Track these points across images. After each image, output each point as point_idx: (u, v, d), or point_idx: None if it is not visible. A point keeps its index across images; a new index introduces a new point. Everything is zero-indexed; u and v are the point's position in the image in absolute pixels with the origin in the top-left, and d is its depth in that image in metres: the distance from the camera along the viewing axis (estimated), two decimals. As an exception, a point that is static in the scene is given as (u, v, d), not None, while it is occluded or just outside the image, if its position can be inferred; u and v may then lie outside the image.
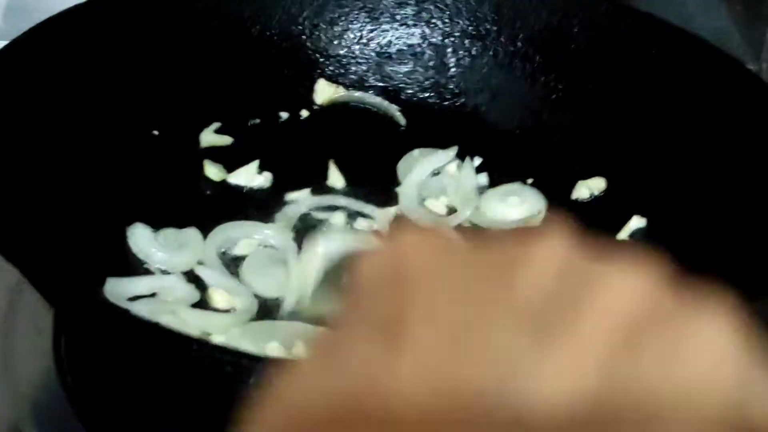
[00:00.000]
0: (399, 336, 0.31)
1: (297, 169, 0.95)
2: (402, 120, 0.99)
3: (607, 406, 0.29)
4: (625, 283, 0.31)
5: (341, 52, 1.02)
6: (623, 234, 0.89)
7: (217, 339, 0.78)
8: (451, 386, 0.29)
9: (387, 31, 1.03)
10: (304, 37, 1.01)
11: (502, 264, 0.32)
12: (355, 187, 0.94)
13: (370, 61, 1.02)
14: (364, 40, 1.02)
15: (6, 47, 0.86)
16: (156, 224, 0.86)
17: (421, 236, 0.34)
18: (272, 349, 0.77)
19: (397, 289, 0.32)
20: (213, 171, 0.94)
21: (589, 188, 0.94)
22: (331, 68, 1.02)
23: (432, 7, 1.02)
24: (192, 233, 0.86)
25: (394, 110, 1.00)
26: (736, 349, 0.30)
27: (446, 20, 1.02)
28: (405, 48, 1.03)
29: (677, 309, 0.31)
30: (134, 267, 0.83)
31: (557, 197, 0.94)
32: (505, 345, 0.30)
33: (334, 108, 1.01)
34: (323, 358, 0.32)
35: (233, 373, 0.62)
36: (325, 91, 1.01)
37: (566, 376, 0.29)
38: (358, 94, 1.00)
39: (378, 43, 1.03)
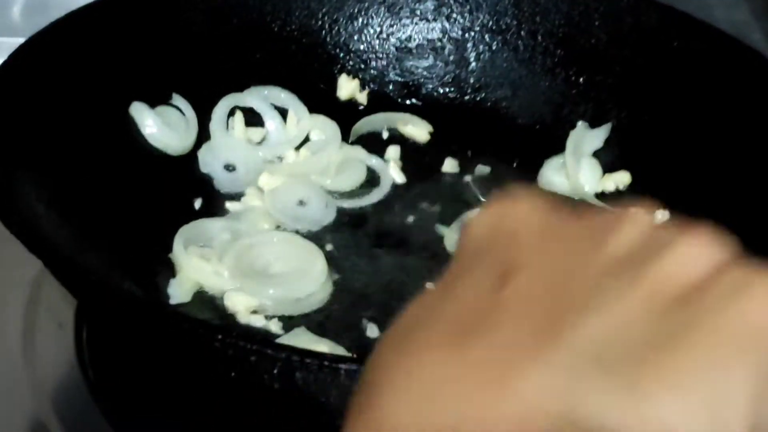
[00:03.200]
0: (508, 278, 0.36)
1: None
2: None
3: (673, 337, 0.33)
4: (692, 252, 0.36)
5: (361, 47, 1.02)
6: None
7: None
8: (546, 320, 0.34)
9: (407, 25, 1.03)
10: (323, 32, 1.01)
11: (594, 228, 0.38)
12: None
13: (390, 55, 1.02)
14: (384, 35, 1.02)
15: (24, 44, 0.86)
16: (177, 214, 0.87)
17: (522, 199, 0.40)
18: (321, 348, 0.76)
19: (505, 242, 0.38)
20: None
21: (614, 182, 0.94)
22: (351, 63, 1.01)
23: (452, 1, 1.02)
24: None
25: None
26: None
27: (466, 15, 1.02)
28: (425, 43, 1.03)
29: (738, 269, 0.35)
30: (155, 257, 0.83)
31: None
32: (588, 295, 0.35)
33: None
34: (442, 292, 0.37)
35: (257, 364, 0.61)
36: (347, 86, 1.00)
37: (640, 310, 0.34)
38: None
39: (398, 38, 1.03)
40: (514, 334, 0.34)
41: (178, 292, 0.81)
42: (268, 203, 0.90)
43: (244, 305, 0.81)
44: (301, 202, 0.91)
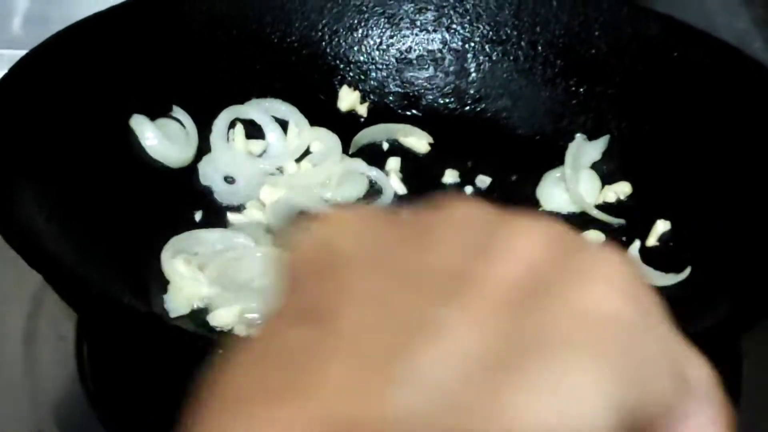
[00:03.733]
0: (324, 321, 0.31)
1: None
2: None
3: (514, 348, 0.30)
4: (530, 232, 0.33)
5: (361, 58, 1.02)
6: (652, 239, 0.89)
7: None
8: (373, 360, 0.30)
9: (407, 36, 1.03)
10: (323, 43, 1.01)
11: (420, 229, 0.34)
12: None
13: (390, 66, 1.02)
14: (384, 46, 1.02)
15: (25, 56, 0.86)
16: (178, 226, 0.87)
17: (344, 217, 0.36)
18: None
19: (323, 275, 0.33)
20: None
21: (615, 193, 0.94)
22: (351, 74, 1.01)
23: (452, 12, 1.02)
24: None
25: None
26: (631, 290, 0.32)
27: (466, 25, 1.02)
28: (425, 53, 1.02)
29: (576, 254, 0.33)
30: (155, 270, 0.83)
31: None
32: (420, 309, 0.31)
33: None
34: (258, 350, 0.32)
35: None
36: (348, 98, 1.00)
37: (473, 330, 0.30)
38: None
39: (398, 49, 1.02)
40: (339, 380, 0.29)
41: (177, 304, 0.81)
42: (269, 216, 0.90)
43: (228, 321, 0.81)
44: (302, 215, 0.91)
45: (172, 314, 0.80)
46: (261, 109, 0.97)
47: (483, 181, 0.96)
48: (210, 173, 0.94)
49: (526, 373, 0.29)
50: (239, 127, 0.96)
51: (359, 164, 0.97)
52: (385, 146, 1.00)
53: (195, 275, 0.82)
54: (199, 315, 0.81)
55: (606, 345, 0.31)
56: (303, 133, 0.98)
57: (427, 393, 0.29)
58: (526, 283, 0.31)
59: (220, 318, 0.80)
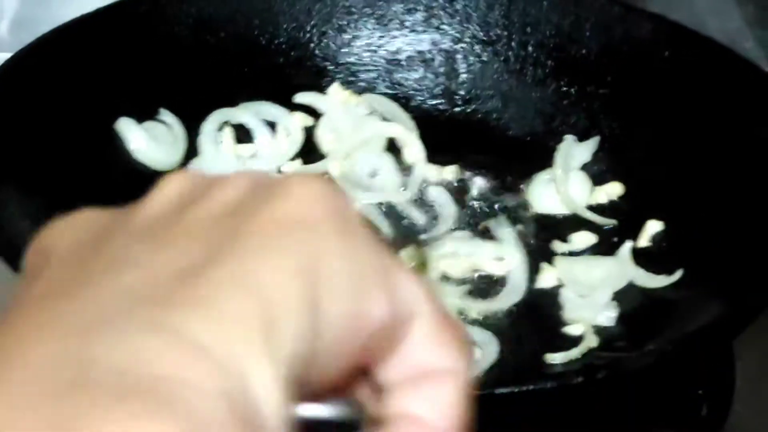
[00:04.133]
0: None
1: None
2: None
3: (201, 262, 0.32)
4: (237, 179, 0.36)
5: (350, 59, 1.01)
6: (643, 240, 0.88)
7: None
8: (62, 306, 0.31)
9: (396, 37, 1.02)
10: (312, 45, 1.01)
11: (135, 207, 0.37)
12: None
13: (380, 68, 1.02)
14: (374, 47, 1.02)
15: (10, 59, 0.86)
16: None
17: (63, 219, 0.38)
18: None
19: (36, 273, 0.35)
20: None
21: (606, 194, 0.93)
22: (340, 76, 1.01)
23: (442, 12, 1.01)
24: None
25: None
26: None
27: (456, 26, 1.01)
28: (415, 54, 1.02)
29: (275, 183, 0.35)
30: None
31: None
32: (123, 253, 0.33)
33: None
34: None
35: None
36: (338, 96, 1.00)
37: (174, 257, 0.32)
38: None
39: (387, 50, 1.02)
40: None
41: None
42: None
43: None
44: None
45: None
46: (250, 112, 0.97)
47: (473, 182, 0.96)
48: (199, 177, 0.93)
49: (209, 277, 0.31)
50: (228, 131, 0.95)
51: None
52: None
53: None
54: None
55: (292, 243, 0.32)
56: (292, 134, 0.97)
57: (108, 308, 0.30)
58: (222, 210, 0.34)
59: None
